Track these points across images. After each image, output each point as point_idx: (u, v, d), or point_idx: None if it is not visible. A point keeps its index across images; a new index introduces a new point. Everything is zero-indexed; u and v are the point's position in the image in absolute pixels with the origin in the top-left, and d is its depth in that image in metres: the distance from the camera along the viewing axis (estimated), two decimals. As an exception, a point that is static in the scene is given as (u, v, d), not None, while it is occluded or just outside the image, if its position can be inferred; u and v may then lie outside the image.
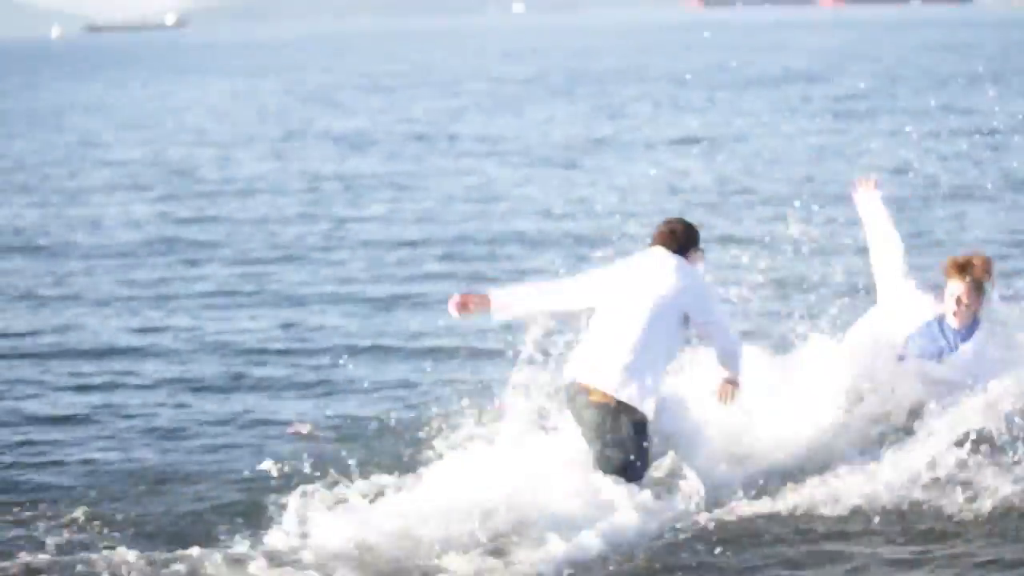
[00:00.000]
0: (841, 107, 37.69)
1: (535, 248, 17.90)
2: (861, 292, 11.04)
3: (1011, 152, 27.02)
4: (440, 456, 9.41)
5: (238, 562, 7.95)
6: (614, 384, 8.83)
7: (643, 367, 8.87)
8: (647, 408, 8.85)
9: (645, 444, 8.92)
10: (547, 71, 57.74)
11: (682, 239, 9.17)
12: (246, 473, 9.47)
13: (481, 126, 34.18)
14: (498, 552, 8.14)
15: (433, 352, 12.72)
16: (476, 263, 17.18)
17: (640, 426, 8.88)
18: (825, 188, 22.77)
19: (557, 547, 8.14)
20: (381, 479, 9.09)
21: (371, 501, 8.72)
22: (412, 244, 18.58)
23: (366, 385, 11.76)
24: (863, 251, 10.55)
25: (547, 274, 15.64)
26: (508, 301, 9.18)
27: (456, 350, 12.36)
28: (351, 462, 9.12)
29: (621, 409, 8.83)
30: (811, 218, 19.17)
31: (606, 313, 9.05)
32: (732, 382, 9.19)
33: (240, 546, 8.15)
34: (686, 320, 9.02)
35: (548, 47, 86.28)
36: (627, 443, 8.85)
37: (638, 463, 8.86)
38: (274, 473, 9.26)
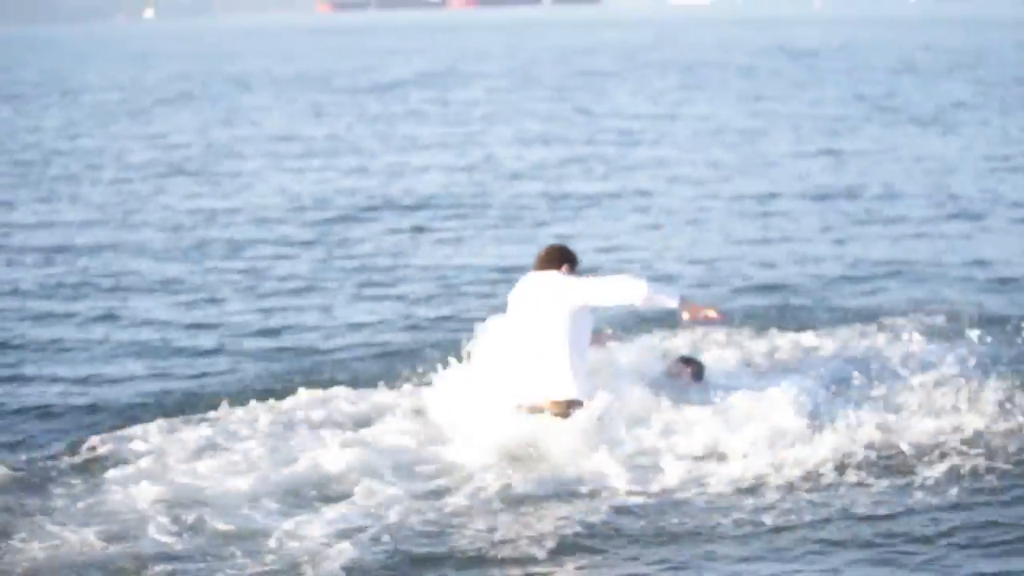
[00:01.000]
0: (464, 112, 38.03)
1: (156, 259, 17.37)
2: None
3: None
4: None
5: None
6: (556, 391, 9.96)
7: (566, 365, 9.96)
8: (588, 393, 9.99)
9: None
10: (174, 77, 56.57)
11: (555, 258, 10.38)
12: None
13: (104, 139, 32.97)
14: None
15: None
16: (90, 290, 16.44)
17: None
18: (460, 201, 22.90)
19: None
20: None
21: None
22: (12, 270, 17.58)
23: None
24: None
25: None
26: None
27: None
28: None
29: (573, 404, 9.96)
30: (432, 224, 19.38)
31: (513, 337, 10.19)
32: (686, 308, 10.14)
33: None
34: (586, 308, 10.06)
35: (180, 52, 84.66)
36: None
37: None
38: None
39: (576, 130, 32.29)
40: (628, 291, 9.91)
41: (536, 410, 9.98)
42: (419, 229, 19.50)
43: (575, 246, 18.12)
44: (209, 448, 9.77)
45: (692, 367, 11.01)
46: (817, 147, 27.79)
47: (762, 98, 40.50)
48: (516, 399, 10.08)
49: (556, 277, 10.19)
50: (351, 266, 17.02)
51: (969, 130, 30.81)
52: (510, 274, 16.15)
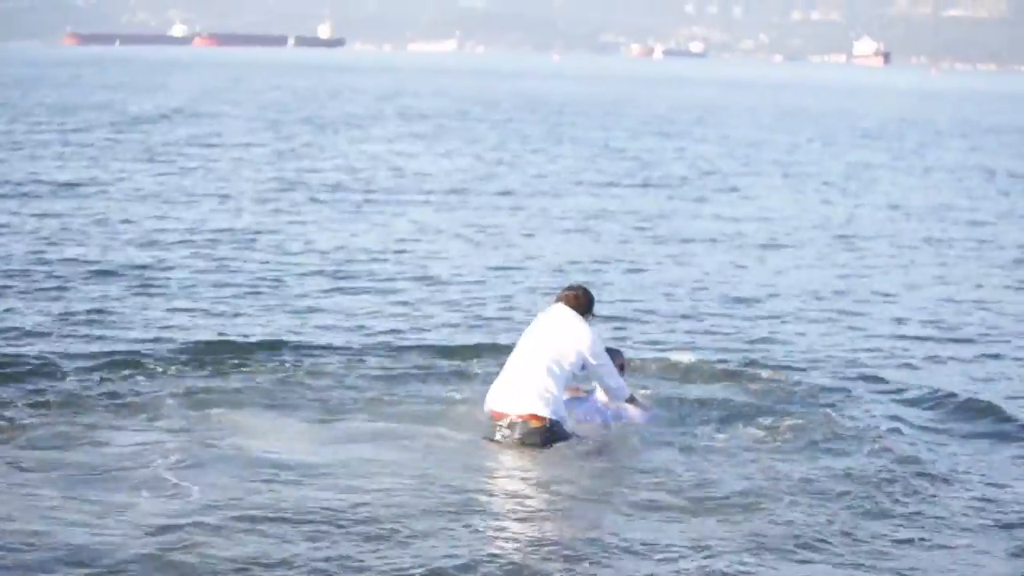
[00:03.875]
0: (202, 152, 37.58)
1: None
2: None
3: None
4: None
5: None
6: (528, 405, 10.68)
7: (546, 388, 10.72)
8: (557, 414, 10.77)
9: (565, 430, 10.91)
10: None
11: (583, 304, 11.16)
12: None
13: None
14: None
15: None
16: None
17: (557, 428, 10.81)
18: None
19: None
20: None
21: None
22: None
23: None
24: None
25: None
26: None
27: None
28: None
29: (542, 423, 10.72)
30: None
31: (517, 353, 11.01)
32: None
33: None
34: (582, 363, 10.97)
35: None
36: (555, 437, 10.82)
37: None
38: None
39: (307, 179, 32.01)
40: (614, 389, 11.29)
41: (503, 419, 10.78)
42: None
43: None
44: None
45: (620, 358, 11.82)
46: (565, 205, 28.25)
47: (508, 150, 40.92)
48: (490, 405, 10.94)
49: (580, 323, 11.03)
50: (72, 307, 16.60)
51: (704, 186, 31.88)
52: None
